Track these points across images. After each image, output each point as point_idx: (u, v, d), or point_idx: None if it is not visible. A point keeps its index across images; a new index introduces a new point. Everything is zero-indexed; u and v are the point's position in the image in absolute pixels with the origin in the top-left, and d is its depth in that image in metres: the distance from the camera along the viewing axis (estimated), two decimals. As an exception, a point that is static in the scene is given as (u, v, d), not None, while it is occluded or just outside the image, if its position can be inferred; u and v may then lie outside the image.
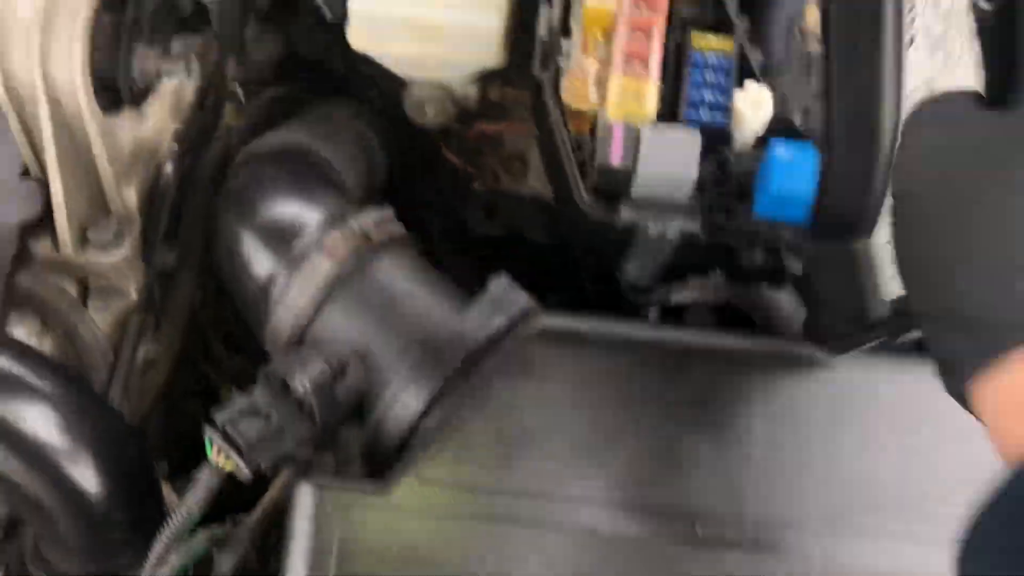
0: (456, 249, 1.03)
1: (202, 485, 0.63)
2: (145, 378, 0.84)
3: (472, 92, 0.94)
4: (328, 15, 1.00)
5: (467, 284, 0.88)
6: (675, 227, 0.71)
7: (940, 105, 0.47)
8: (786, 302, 0.84)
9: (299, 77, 1.14)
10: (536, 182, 1.02)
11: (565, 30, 0.75)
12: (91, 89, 0.74)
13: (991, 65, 0.50)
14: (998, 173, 0.41)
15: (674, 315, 0.90)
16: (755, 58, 0.77)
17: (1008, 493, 0.37)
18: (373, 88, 1.05)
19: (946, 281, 0.41)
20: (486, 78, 0.93)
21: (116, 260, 0.80)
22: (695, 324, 0.77)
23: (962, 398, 0.42)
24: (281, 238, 0.74)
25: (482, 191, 1.01)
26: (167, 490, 0.84)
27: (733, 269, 0.76)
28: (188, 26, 1.00)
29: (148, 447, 0.73)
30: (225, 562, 0.65)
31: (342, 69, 1.05)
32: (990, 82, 0.49)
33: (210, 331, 0.94)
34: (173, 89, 0.87)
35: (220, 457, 0.63)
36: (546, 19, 0.75)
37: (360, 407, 0.70)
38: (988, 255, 0.40)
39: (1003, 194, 0.41)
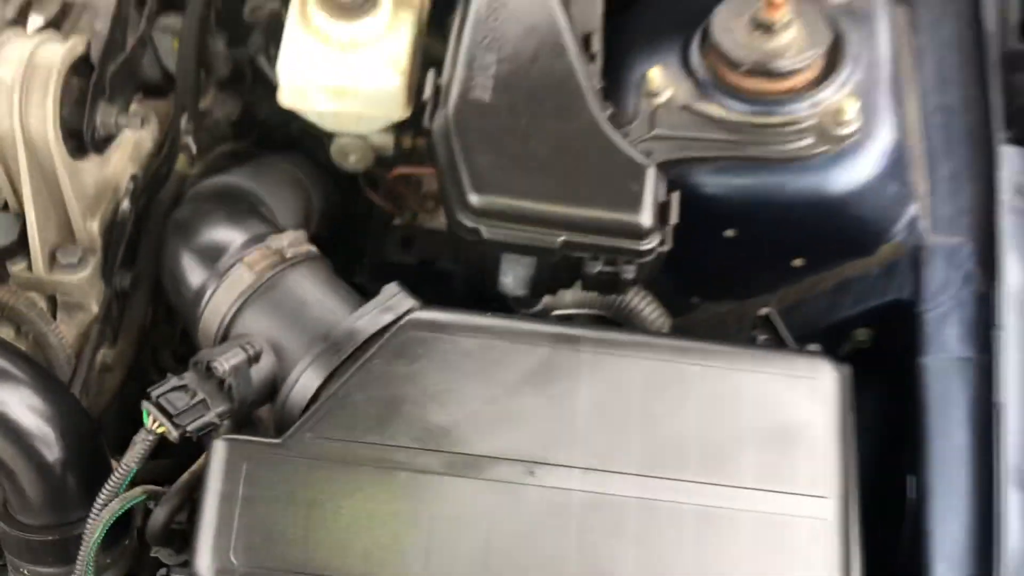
0: (380, 276, 1.19)
1: (139, 446, 0.78)
2: (102, 379, 1.00)
3: (388, 141, 1.12)
4: (275, 82, 1.18)
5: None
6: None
7: None
8: (649, 311, 1.01)
9: (252, 134, 1.33)
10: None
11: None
12: (61, 138, 0.91)
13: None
14: None
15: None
16: (608, 110, 0.95)
17: None
18: (317, 147, 1.22)
19: None
20: (399, 128, 1.11)
21: (80, 279, 0.97)
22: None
23: None
24: (212, 256, 0.90)
25: (400, 226, 1.19)
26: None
27: (584, 279, 0.92)
28: (153, 92, 1.18)
29: (98, 427, 0.88)
30: (159, 513, 0.79)
31: (287, 129, 1.22)
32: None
33: (160, 347, 1.10)
34: (133, 140, 1.05)
35: (154, 423, 0.78)
36: (431, 83, 0.93)
37: (273, 391, 0.86)
38: None
39: None
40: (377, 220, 1.25)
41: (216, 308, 0.88)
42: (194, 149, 1.15)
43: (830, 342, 0.94)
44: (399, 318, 0.85)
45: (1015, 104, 1.00)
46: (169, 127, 1.11)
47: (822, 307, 1.03)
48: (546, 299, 1.00)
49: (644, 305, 1.00)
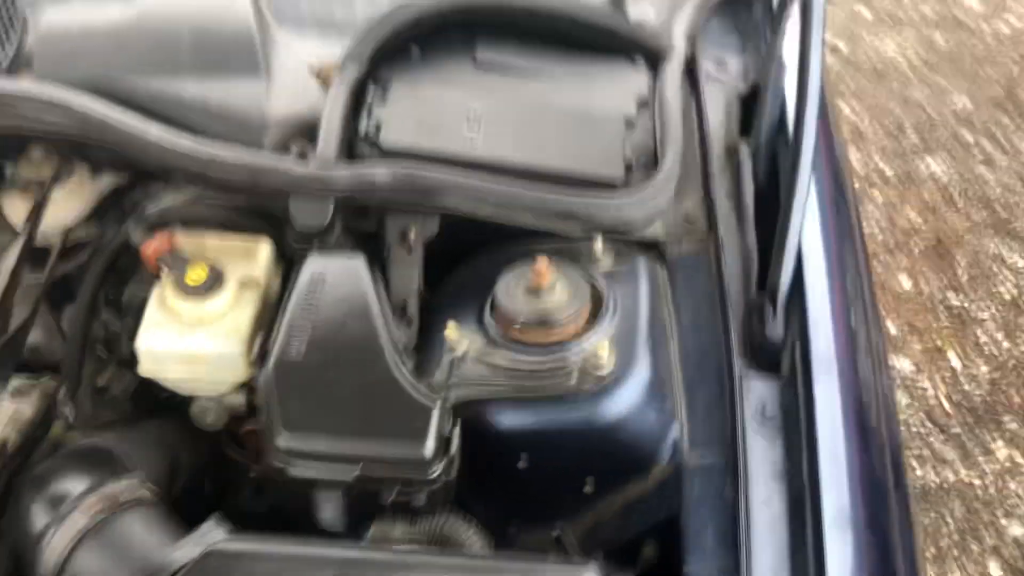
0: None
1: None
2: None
3: (239, 400, 1.29)
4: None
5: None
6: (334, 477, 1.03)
7: None
8: (467, 538, 1.13)
9: (150, 404, 1.49)
10: (299, 468, 1.33)
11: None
12: (-63, 409, 1.07)
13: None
14: None
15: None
16: (410, 363, 1.14)
17: None
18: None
19: None
20: (249, 388, 1.28)
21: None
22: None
23: None
24: (56, 503, 1.04)
25: (255, 476, 1.32)
26: None
27: (383, 508, 1.06)
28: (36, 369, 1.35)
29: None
30: None
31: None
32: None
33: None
34: (11, 409, 1.20)
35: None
36: (258, 347, 1.12)
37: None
38: None
39: None
40: (236, 471, 1.39)
41: (53, 549, 1.00)
42: (71, 418, 1.30)
43: (626, 560, 1.07)
44: (210, 548, 0.97)
45: (755, 342, 1.20)
46: (48, 398, 1.27)
47: (615, 528, 1.17)
48: (374, 531, 1.12)
49: (463, 534, 1.13)
